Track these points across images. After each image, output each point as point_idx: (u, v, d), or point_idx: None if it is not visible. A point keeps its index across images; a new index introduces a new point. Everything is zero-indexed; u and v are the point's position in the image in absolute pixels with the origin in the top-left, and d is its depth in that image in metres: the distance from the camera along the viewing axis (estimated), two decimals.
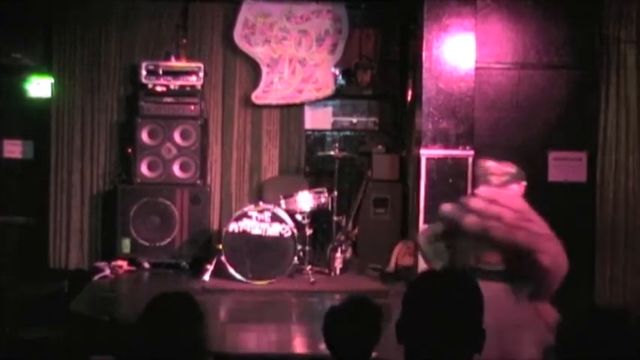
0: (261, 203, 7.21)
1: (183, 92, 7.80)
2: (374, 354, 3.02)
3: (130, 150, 7.86)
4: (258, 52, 8.11)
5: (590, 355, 2.29)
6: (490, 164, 4.47)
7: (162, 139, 7.76)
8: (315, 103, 8.32)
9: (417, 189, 6.95)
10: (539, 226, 4.08)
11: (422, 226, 6.73)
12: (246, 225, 7.02)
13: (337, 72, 8.28)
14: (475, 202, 4.20)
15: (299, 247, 7.06)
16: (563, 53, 7.17)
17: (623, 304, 6.70)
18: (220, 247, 7.02)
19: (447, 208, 4.33)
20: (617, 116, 7.06)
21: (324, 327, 3.05)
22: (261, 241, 6.99)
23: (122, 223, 7.59)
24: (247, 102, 8.15)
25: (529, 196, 6.97)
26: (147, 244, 7.57)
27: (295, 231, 7.02)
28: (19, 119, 8.10)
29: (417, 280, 2.27)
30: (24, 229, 8.04)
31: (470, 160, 6.84)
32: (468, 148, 6.87)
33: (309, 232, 7.21)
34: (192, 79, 7.80)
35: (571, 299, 6.10)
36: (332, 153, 7.55)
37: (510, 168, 4.39)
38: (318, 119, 8.46)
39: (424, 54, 6.96)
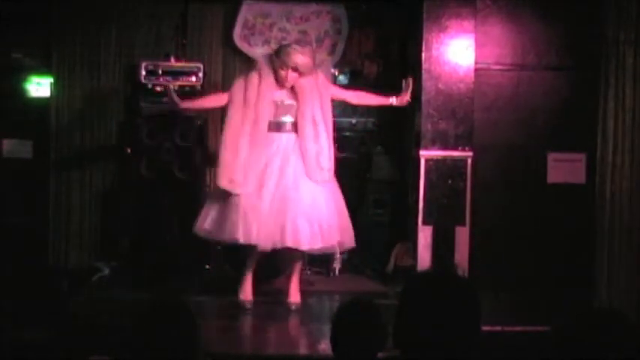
0: None
1: (182, 92, 7.78)
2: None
3: (129, 150, 7.86)
4: (258, 52, 8.11)
5: (587, 357, 2.29)
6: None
7: (162, 139, 7.75)
8: None
9: (416, 190, 6.96)
10: None
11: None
12: None
13: (336, 72, 8.27)
14: None
15: None
16: (563, 55, 7.18)
17: (621, 306, 6.71)
18: (219, 247, 7.02)
19: None
20: (616, 118, 7.07)
21: (332, 329, 3.02)
22: None
23: (121, 223, 7.59)
24: None
25: (528, 197, 7.02)
26: (146, 244, 7.57)
27: None
28: (18, 119, 8.10)
29: (411, 283, 2.25)
30: (23, 228, 8.03)
31: (469, 161, 6.86)
32: (467, 149, 6.87)
33: None
34: (192, 80, 7.79)
35: (570, 301, 6.14)
36: None
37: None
38: None
39: (423, 55, 6.97)
